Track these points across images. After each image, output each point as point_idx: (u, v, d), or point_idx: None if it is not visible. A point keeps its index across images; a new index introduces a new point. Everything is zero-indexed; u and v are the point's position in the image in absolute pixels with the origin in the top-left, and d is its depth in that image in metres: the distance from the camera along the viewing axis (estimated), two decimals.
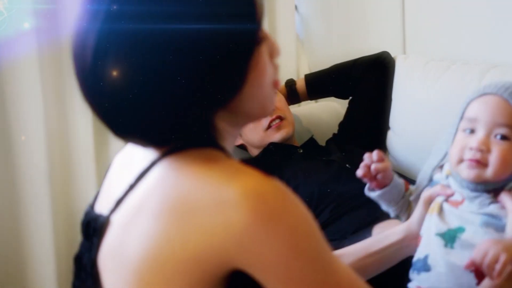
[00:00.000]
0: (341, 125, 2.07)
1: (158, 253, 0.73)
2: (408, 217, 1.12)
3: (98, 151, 1.89)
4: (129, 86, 0.72)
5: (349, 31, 2.37)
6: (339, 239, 1.55)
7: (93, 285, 0.81)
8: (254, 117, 0.82)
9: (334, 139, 2.03)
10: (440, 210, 1.03)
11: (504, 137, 0.97)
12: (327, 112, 2.27)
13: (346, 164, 1.81)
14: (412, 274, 1.03)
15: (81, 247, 0.87)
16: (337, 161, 1.83)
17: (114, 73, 0.72)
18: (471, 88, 1.74)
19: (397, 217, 1.15)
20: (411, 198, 1.13)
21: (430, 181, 1.10)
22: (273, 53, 0.80)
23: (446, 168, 1.08)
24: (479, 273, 0.94)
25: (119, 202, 0.79)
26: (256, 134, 1.89)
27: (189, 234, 0.71)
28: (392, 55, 2.06)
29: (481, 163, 0.97)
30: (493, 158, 0.97)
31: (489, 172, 0.98)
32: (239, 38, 0.74)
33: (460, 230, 0.98)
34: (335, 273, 0.74)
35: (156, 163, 0.77)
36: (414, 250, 1.05)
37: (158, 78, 0.72)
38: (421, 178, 1.11)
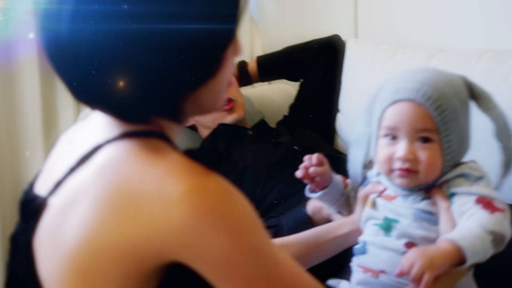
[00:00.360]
0: (292, 107, 2.09)
1: (95, 241, 0.73)
2: (349, 212, 1.15)
3: (46, 132, 1.87)
4: (105, 55, 0.72)
5: (303, 14, 2.38)
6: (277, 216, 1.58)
7: (28, 268, 0.80)
8: (205, 110, 0.83)
9: (285, 121, 2.04)
10: (374, 205, 1.05)
11: (427, 140, 0.97)
12: (279, 94, 2.29)
13: (294, 146, 1.83)
14: (353, 257, 1.07)
15: (17, 227, 0.86)
16: (286, 143, 1.85)
17: (89, 38, 0.72)
18: None
19: (339, 213, 1.16)
20: (352, 193, 1.14)
21: (364, 179, 1.11)
22: (236, 52, 0.82)
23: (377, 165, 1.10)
24: None
25: (58, 185, 0.78)
26: (208, 115, 1.88)
27: (128, 225, 0.71)
28: (345, 38, 2.08)
29: (412, 171, 0.98)
30: (422, 165, 0.97)
31: (421, 177, 0.99)
32: (218, 33, 0.76)
33: (395, 221, 1.01)
34: (277, 266, 0.75)
35: (100, 148, 0.77)
36: (354, 241, 1.09)
37: (131, 51, 0.72)
38: (353, 176, 1.12)
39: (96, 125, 0.83)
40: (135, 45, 0.72)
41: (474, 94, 1.02)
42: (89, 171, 0.76)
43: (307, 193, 1.15)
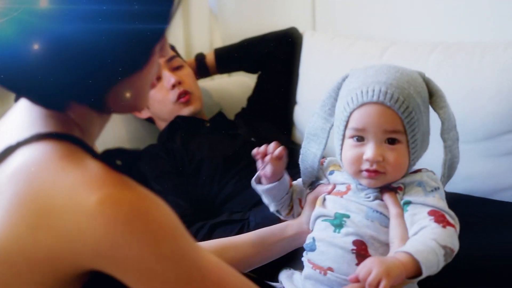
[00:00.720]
0: (250, 99, 2.09)
1: (8, 248, 0.71)
2: (288, 212, 1.14)
3: None
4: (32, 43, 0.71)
5: (262, 7, 2.39)
6: (243, 211, 1.58)
7: None
8: (126, 108, 0.82)
9: (243, 114, 2.05)
10: (323, 202, 1.06)
11: (394, 141, 0.98)
12: (238, 86, 2.29)
13: (252, 138, 1.84)
14: (304, 252, 1.08)
15: None
16: (243, 135, 1.85)
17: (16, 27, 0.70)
18: (373, 63, 1.80)
19: (277, 212, 1.15)
20: (304, 187, 1.14)
21: (316, 179, 1.11)
22: (163, 52, 0.82)
23: (329, 164, 1.11)
24: (360, 254, 0.99)
25: None
26: (164, 107, 1.89)
27: (41, 234, 0.70)
28: (302, 31, 2.10)
29: (380, 172, 0.99)
30: (390, 166, 0.98)
31: (388, 177, 1.00)
32: (148, 29, 0.76)
33: (346, 216, 1.01)
34: (200, 270, 0.75)
35: (13, 150, 0.75)
36: (304, 242, 1.09)
37: (56, 36, 0.71)
38: (308, 171, 1.11)
39: (12, 123, 0.81)
40: (61, 31, 0.71)
41: (430, 91, 1.03)
42: (3, 175, 0.74)
43: (253, 184, 1.13)
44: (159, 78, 1.88)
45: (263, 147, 1.10)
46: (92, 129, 0.82)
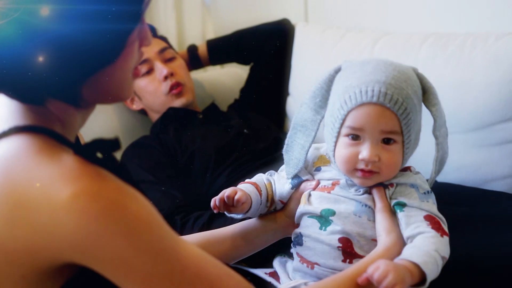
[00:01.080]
0: (243, 91, 2.10)
1: None
2: (269, 209, 1.12)
3: None
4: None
5: None
6: None
7: None
8: (107, 98, 0.81)
9: (236, 105, 2.06)
10: (308, 199, 1.05)
11: (390, 141, 0.98)
12: (231, 78, 2.30)
13: (244, 129, 1.85)
14: (292, 244, 1.08)
15: None
16: (236, 127, 1.86)
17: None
18: (365, 55, 1.82)
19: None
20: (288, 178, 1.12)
21: (298, 178, 1.10)
22: (143, 41, 0.81)
23: (313, 161, 1.10)
24: (346, 251, 1.00)
25: None
26: (157, 99, 1.89)
27: (18, 228, 0.71)
28: (294, 22, 2.10)
29: (374, 172, 0.99)
30: (385, 166, 0.98)
31: (381, 177, 1.00)
32: (123, 17, 0.75)
33: (332, 212, 1.01)
34: (180, 262, 0.75)
35: None
36: (290, 233, 1.09)
37: (30, 30, 0.71)
38: (294, 162, 1.09)
39: None
40: (34, 24, 0.71)
41: (423, 88, 1.02)
42: None
43: (227, 213, 1.10)
44: (151, 70, 1.88)
45: (213, 202, 1.07)
46: (73, 121, 0.82)
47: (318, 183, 1.06)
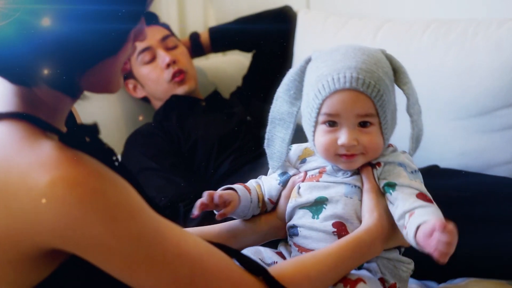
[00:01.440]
0: (245, 78, 2.10)
1: None
2: (261, 210, 1.12)
3: None
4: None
5: None
6: None
7: None
8: (97, 91, 0.82)
9: (238, 92, 2.06)
10: (298, 192, 1.06)
11: (366, 124, 0.99)
12: (233, 65, 2.30)
13: (247, 116, 1.86)
14: (288, 236, 1.09)
15: None
16: (239, 114, 1.87)
17: None
18: (367, 42, 1.82)
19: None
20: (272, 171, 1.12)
21: (285, 173, 1.10)
22: (138, 37, 0.81)
23: (297, 154, 1.10)
24: (341, 235, 1.00)
25: None
26: (159, 86, 1.89)
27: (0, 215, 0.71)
28: (297, 9, 2.10)
29: (356, 155, 1.00)
30: (366, 148, 0.99)
31: (368, 158, 1.01)
32: (126, 15, 0.76)
33: (324, 199, 1.02)
34: (161, 244, 0.76)
35: None
36: (281, 235, 1.09)
37: (32, 19, 0.71)
38: (276, 155, 1.10)
39: None
40: (36, 14, 0.71)
41: (393, 68, 1.03)
42: None
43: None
44: (154, 58, 1.89)
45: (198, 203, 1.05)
46: (63, 108, 0.82)
47: (306, 175, 1.07)
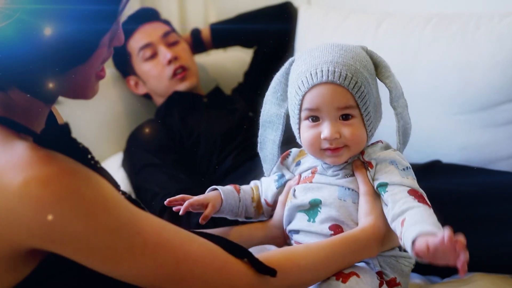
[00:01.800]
0: (246, 74, 2.10)
1: None
2: (257, 214, 1.13)
3: None
4: None
5: None
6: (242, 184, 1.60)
7: None
8: (70, 96, 0.82)
9: (240, 89, 2.06)
10: (294, 194, 1.07)
11: (348, 116, 1.00)
12: (234, 61, 2.30)
13: (249, 112, 1.86)
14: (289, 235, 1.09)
15: None
16: (241, 110, 1.87)
17: None
18: (368, 36, 1.82)
19: (249, 218, 1.14)
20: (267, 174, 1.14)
21: (282, 176, 1.11)
22: (114, 41, 0.81)
23: (294, 157, 1.11)
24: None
25: None
26: (160, 83, 1.89)
27: None
28: (298, 5, 2.09)
29: (340, 148, 1.01)
30: (349, 141, 1.01)
31: (352, 150, 1.02)
32: (98, 18, 0.75)
33: (318, 201, 1.03)
34: (140, 234, 0.76)
35: None
36: (279, 244, 1.10)
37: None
38: (269, 157, 1.11)
39: None
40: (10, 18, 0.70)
41: (375, 63, 1.05)
42: None
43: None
44: (155, 54, 1.89)
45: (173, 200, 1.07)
46: (36, 110, 0.82)
47: (300, 177, 1.08)
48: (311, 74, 0.99)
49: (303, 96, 1.00)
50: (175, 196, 1.54)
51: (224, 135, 1.75)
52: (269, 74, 2.02)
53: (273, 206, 1.13)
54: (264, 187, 1.14)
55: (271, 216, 1.14)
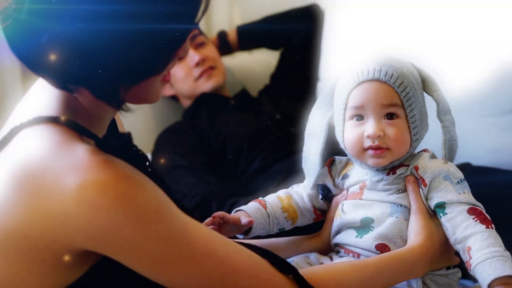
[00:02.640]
0: (273, 76, 2.11)
1: (6, 226, 0.74)
2: (292, 223, 1.10)
3: None
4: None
5: None
6: (270, 186, 1.60)
7: None
8: (137, 102, 0.83)
9: (266, 90, 2.07)
10: (342, 210, 1.06)
11: (392, 116, 1.00)
12: (259, 63, 2.30)
13: (276, 114, 1.86)
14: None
15: None
16: (268, 112, 1.87)
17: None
18: (397, 35, 1.80)
19: (283, 229, 1.10)
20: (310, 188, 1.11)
21: (326, 188, 1.10)
22: (180, 53, 0.82)
23: (341, 170, 1.09)
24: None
25: None
26: (186, 84, 1.91)
27: (33, 215, 0.73)
28: (324, 7, 2.09)
29: (383, 148, 1.00)
30: (392, 141, 1.00)
31: (394, 154, 1.01)
32: (172, 35, 0.77)
33: (371, 220, 1.02)
34: (189, 244, 0.77)
35: (17, 131, 0.78)
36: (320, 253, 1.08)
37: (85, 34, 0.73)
38: (312, 168, 1.08)
39: (27, 103, 0.85)
40: (90, 28, 0.72)
41: (422, 78, 1.05)
42: (6, 156, 0.78)
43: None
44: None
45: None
46: (102, 114, 0.84)
47: (347, 192, 1.07)
48: (357, 73, 1.01)
49: (349, 95, 1.01)
50: (203, 198, 1.57)
51: (252, 137, 1.75)
52: (296, 76, 2.05)
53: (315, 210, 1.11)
54: (300, 189, 1.11)
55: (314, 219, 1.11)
